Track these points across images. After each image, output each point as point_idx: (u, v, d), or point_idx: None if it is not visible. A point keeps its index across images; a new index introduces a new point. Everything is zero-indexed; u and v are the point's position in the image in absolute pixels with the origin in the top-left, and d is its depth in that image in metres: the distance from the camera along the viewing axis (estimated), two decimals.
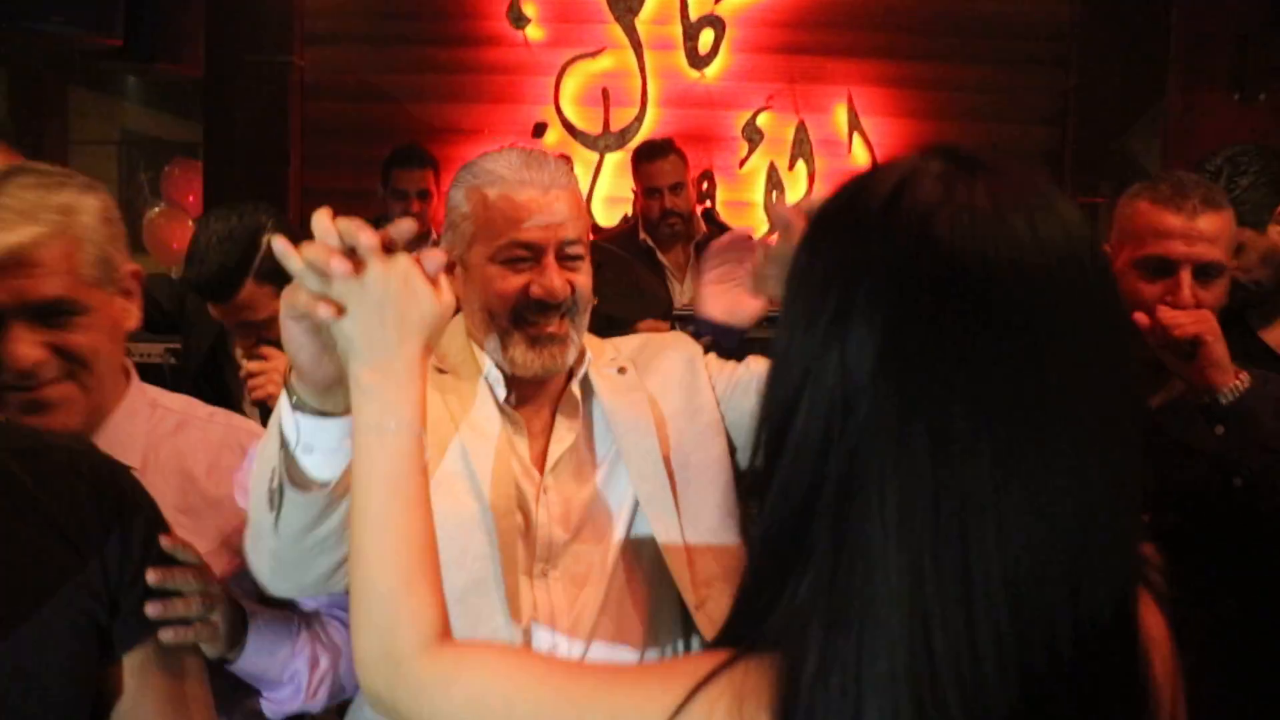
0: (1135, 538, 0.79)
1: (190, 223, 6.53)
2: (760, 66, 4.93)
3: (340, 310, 0.98)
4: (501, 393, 1.49)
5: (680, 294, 3.80)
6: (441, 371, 1.50)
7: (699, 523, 1.47)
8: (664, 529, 1.45)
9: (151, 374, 2.71)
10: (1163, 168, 5.13)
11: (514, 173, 1.45)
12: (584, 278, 1.50)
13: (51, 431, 1.25)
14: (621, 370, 1.56)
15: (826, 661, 0.73)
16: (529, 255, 1.44)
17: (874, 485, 0.72)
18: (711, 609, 1.42)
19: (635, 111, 4.86)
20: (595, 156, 4.85)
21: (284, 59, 4.77)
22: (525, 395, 1.51)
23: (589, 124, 4.86)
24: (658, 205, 3.82)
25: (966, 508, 0.71)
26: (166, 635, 1.14)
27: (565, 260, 1.46)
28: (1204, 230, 1.71)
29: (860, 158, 4.97)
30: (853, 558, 0.73)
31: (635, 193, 3.97)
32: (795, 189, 4.95)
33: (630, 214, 4.78)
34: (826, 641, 0.73)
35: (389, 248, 0.99)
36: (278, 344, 1.72)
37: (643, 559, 1.47)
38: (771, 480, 0.80)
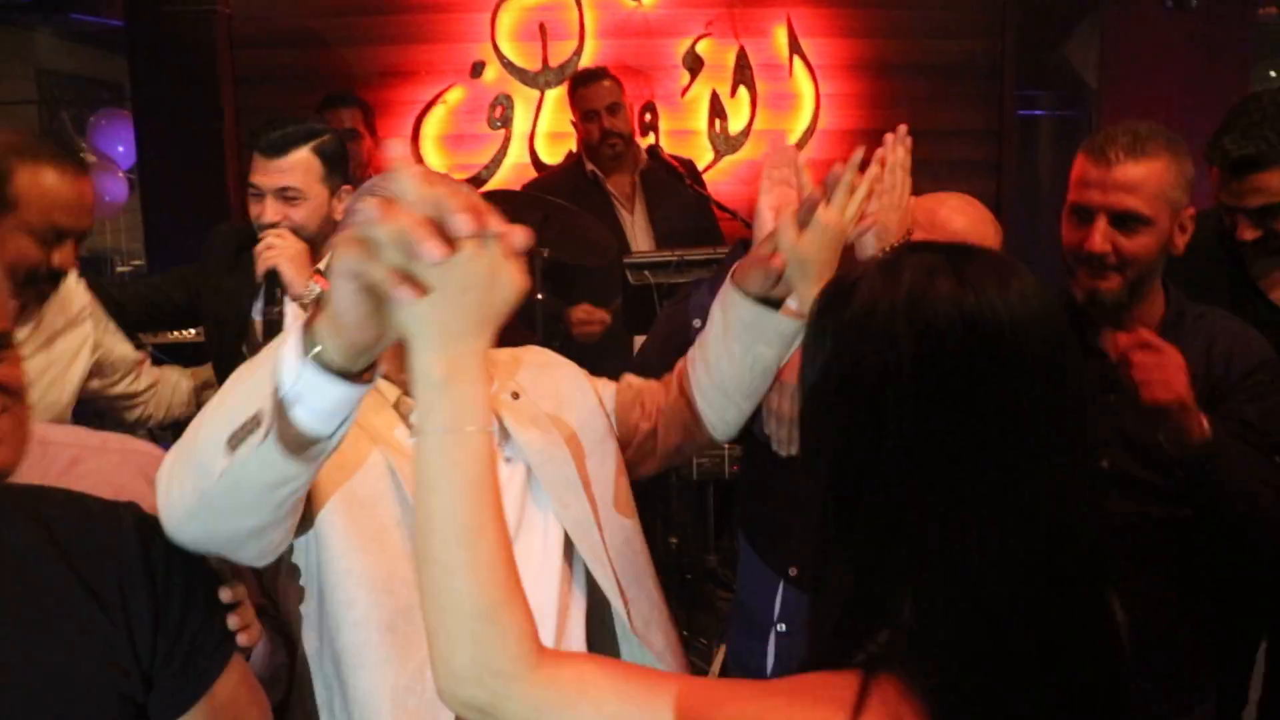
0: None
1: (121, 174, 6.47)
2: None
3: (422, 291, 0.91)
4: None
5: (630, 223, 3.85)
6: None
7: (615, 537, 1.57)
8: (589, 547, 1.52)
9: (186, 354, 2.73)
10: (1100, 77, 5.24)
11: None
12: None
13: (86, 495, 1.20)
14: (515, 395, 1.58)
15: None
16: None
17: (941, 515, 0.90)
18: (635, 612, 1.54)
19: (574, 45, 4.84)
20: (536, 94, 4.85)
21: (208, 6, 4.70)
22: None
23: (527, 60, 4.84)
24: (596, 128, 3.85)
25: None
26: (243, 639, 1.20)
27: None
28: (1119, 180, 1.79)
29: (802, 80, 5.01)
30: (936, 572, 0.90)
31: (575, 124, 3.99)
32: (738, 115, 4.98)
33: (574, 149, 4.82)
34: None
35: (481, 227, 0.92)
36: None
37: (571, 571, 1.54)
38: (852, 531, 0.94)
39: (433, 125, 4.83)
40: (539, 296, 3.30)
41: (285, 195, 2.32)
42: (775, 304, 1.52)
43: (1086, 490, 0.95)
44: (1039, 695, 0.89)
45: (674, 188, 3.79)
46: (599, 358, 3.55)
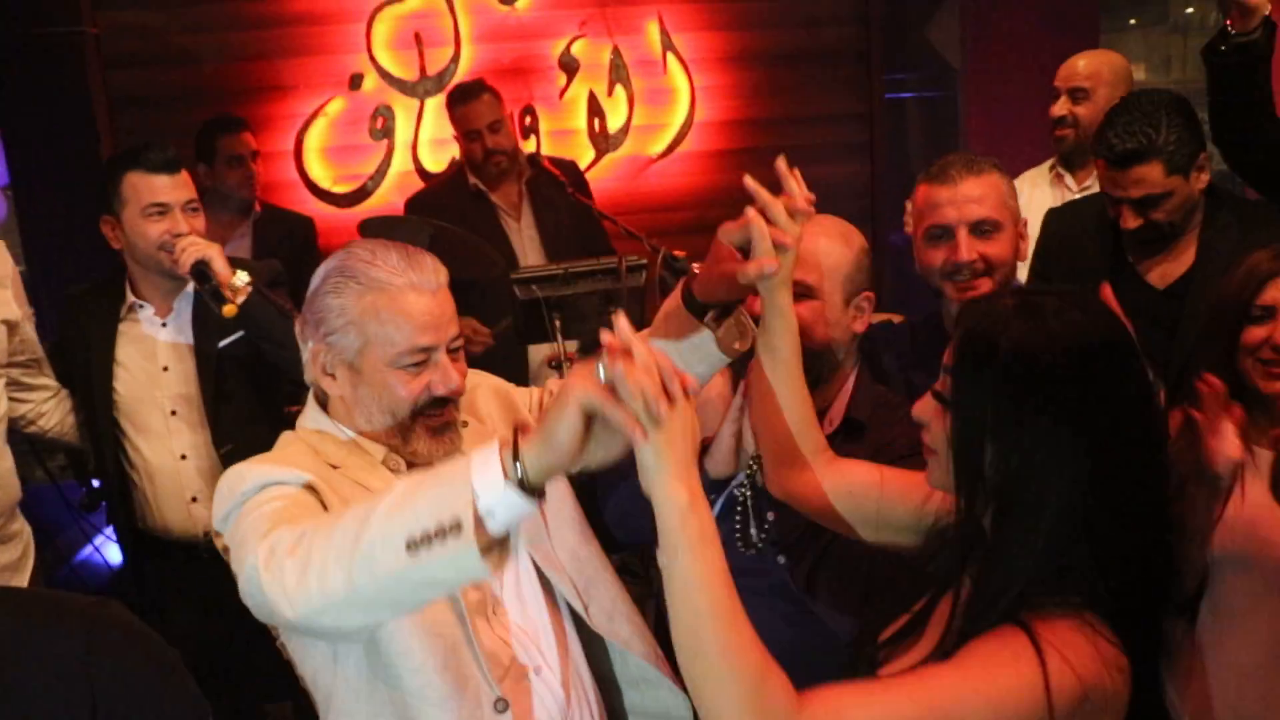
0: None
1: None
2: None
3: (646, 435, 1.15)
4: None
5: (518, 232, 3.99)
6: (334, 467, 1.61)
7: (565, 542, 1.74)
8: (543, 556, 1.70)
9: None
10: (962, 57, 5.58)
11: (400, 277, 1.57)
12: (464, 363, 1.66)
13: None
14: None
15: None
16: (426, 357, 1.59)
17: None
18: (595, 610, 1.71)
19: (450, 51, 4.98)
20: (416, 103, 4.97)
21: (76, 28, 4.73)
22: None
23: (405, 70, 4.95)
24: (479, 147, 3.92)
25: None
26: None
27: (452, 353, 1.63)
28: (968, 193, 2.05)
29: (676, 75, 5.23)
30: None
31: (456, 138, 4.10)
32: (616, 113, 5.19)
33: (457, 156, 4.99)
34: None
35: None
36: None
37: (536, 585, 1.70)
38: (1038, 525, 1.28)
39: (315, 138, 4.92)
40: None
41: (190, 207, 2.65)
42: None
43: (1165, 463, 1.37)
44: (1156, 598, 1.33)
45: (559, 196, 3.95)
46: (495, 372, 3.78)
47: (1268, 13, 2.37)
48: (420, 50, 4.96)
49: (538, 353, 3.86)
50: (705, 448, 1.89)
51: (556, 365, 3.53)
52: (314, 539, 1.31)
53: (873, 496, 1.63)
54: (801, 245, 1.75)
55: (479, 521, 1.19)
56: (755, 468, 1.90)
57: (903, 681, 1.24)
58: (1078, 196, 3.45)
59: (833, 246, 1.92)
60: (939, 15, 5.68)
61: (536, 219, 4.03)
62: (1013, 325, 1.30)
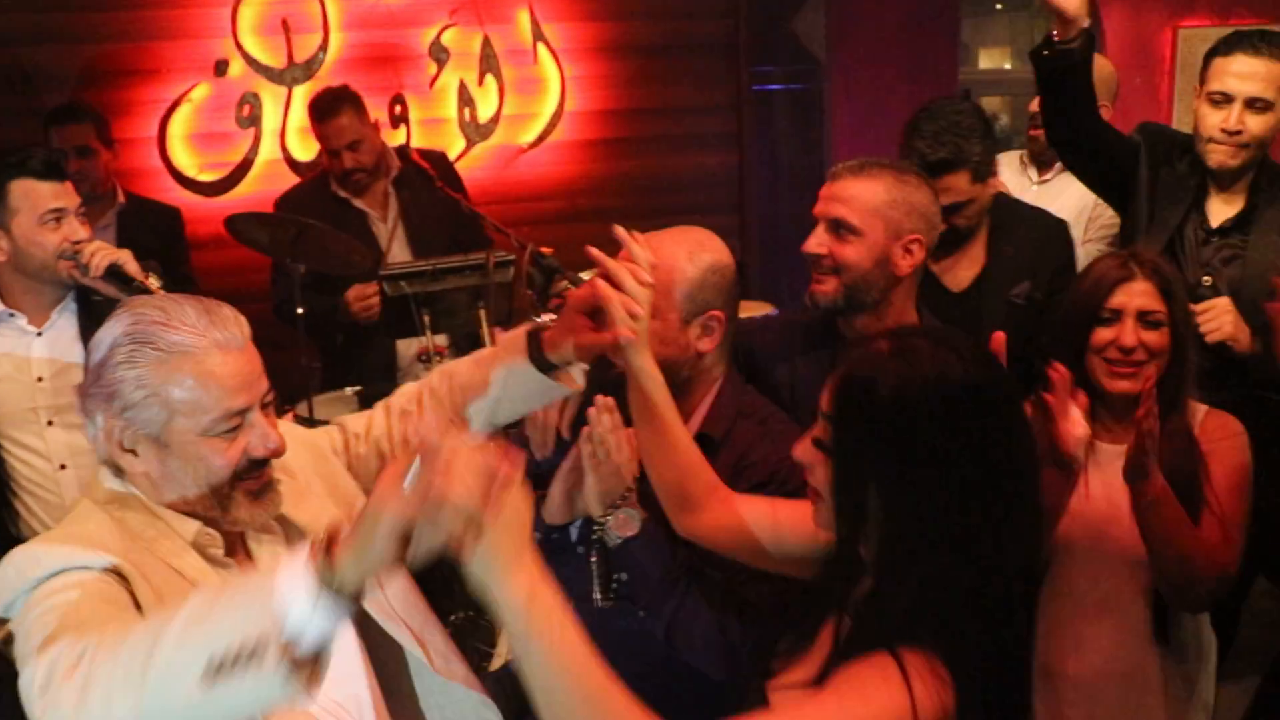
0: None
1: None
2: None
3: (469, 551, 1.10)
4: (219, 552, 1.52)
5: (386, 236, 4.04)
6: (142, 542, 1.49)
7: (396, 590, 1.68)
8: (379, 609, 1.63)
9: None
10: (827, 50, 5.83)
11: (203, 337, 1.46)
12: (275, 416, 1.57)
13: None
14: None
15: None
16: (240, 420, 1.49)
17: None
18: (434, 653, 1.68)
19: (319, 39, 4.99)
20: (284, 90, 4.97)
21: None
22: (230, 543, 1.56)
23: (272, 57, 4.95)
24: (339, 165, 3.96)
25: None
26: None
27: (265, 408, 1.53)
28: (837, 192, 2.09)
29: (547, 65, 5.35)
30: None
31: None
32: (487, 103, 5.27)
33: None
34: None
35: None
36: None
37: (353, 649, 1.64)
38: (913, 555, 1.32)
39: (179, 125, 4.88)
40: (300, 311, 3.59)
41: (79, 212, 2.68)
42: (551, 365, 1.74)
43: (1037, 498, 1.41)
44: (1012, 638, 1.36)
45: (428, 191, 4.02)
46: (368, 372, 3.88)
47: (1086, 25, 2.60)
48: (288, 37, 4.96)
49: (407, 348, 3.96)
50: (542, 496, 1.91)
51: (426, 359, 3.66)
52: (97, 659, 1.19)
53: (767, 529, 1.67)
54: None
55: (286, 646, 1.11)
56: (600, 530, 1.88)
57: (785, 712, 1.32)
58: (1035, 188, 3.68)
59: (673, 263, 1.85)
60: (805, 8, 5.91)
61: (404, 218, 4.08)
62: (889, 370, 1.33)
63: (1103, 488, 2.09)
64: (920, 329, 1.86)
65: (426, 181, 4.01)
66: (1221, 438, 2.11)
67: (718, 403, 1.96)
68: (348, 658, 1.60)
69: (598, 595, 1.92)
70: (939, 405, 1.31)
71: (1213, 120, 2.69)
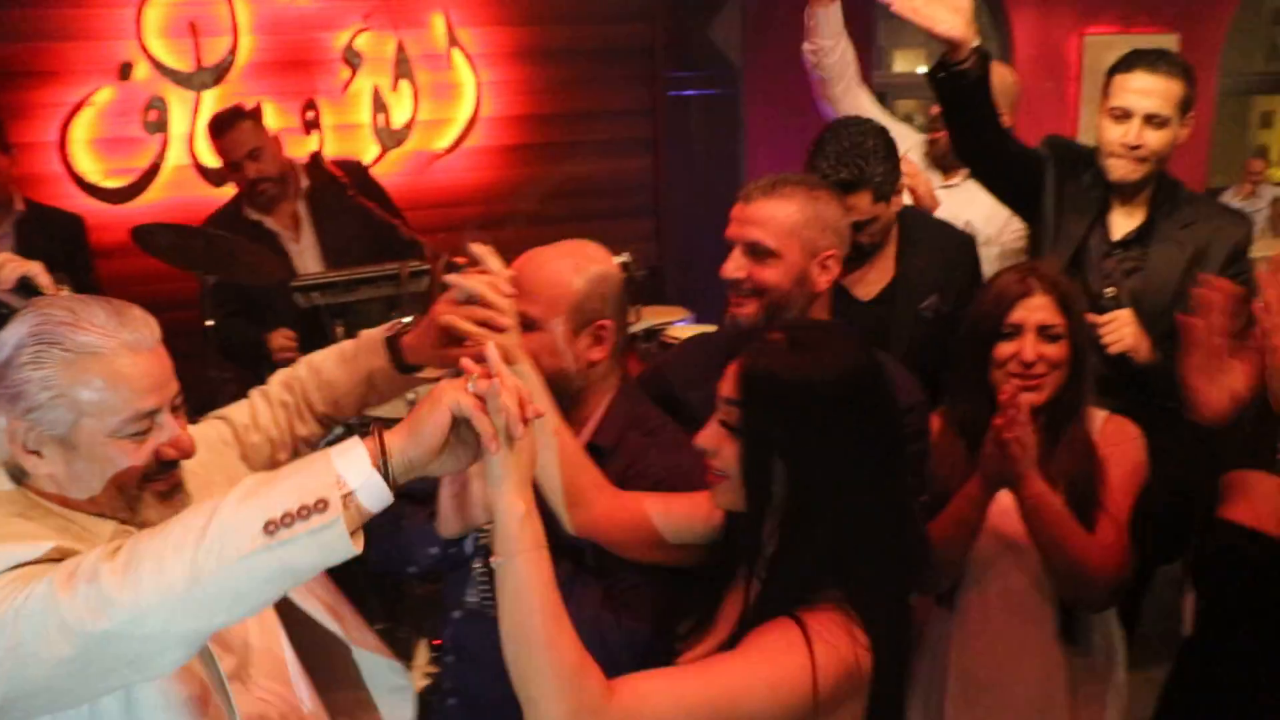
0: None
1: None
2: None
3: (498, 449, 1.30)
4: None
5: (299, 253, 3.98)
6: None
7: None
8: (300, 597, 1.70)
9: None
10: (744, 56, 5.88)
11: (112, 338, 1.46)
12: (185, 418, 1.58)
13: None
14: None
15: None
16: (150, 423, 1.49)
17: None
18: (350, 625, 1.77)
19: (228, 42, 4.92)
20: (192, 95, 4.89)
21: None
22: None
23: (180, 60, 4.87)
24: (243, 176, 3.90)
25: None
26: None
27: (175, 410, 1.54)
28: (751, 215, 2.08)
29: (462, 70, 5.34)
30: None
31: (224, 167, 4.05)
32: (401, 108, 5.25)
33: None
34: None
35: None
36: None
37: (293, 617, 1.71)
38: (813, 527, 1.50)
39: (81, 129, 4.77)
40: (208, 323, 3.54)
41: None
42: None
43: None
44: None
45: (341, 201, 3.95)
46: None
47: (976, 44, 2.67)
48: (196, 40, 4.88)
49: None
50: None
51: None
52: (139, 542, 1.25)
53: (661, 517, 1.76)
54: (529, 275, 1.89)
55: (346, 500, 1.23)
56: (488, 536, 1.91)
57: (696, 668, 1.45)
58: (941, 191, 3.73)
59: (559, 277, 1.89)
60: (722, 14, 5.97)
61: (318, 234, 4.02)
62: (789, 358, 1.52)
63: (1011, 499, 2.15)
64: (809, 322, 1.97)
65: (339, 193, 3.94)
66: (1119, 442, 2.18)
67: (609, 413, 2.00)
68: (272, 636, 1.68)
69: (476, 594, 1.99)
70: (835, 387, 1.50)
71: (1113, 135, 2.78)
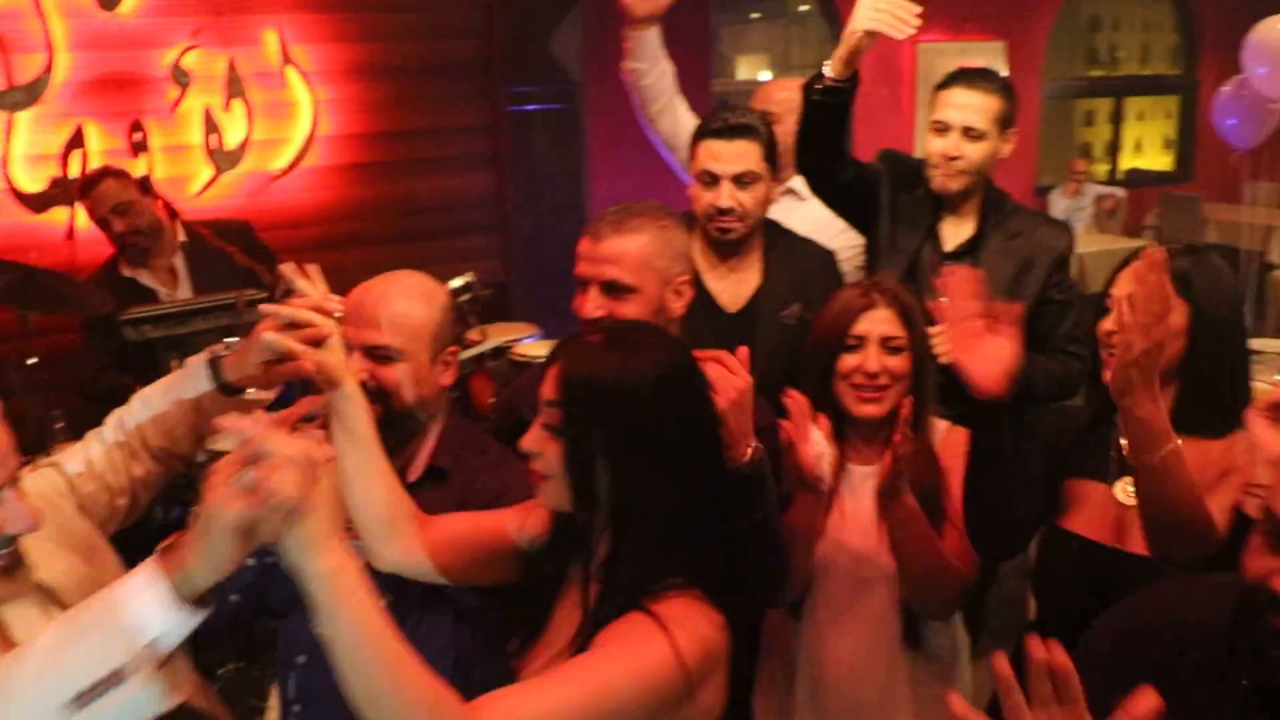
0: None
1: None
2: (180, 0, 4.96)
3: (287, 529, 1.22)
4: None
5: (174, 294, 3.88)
6: None
7: None
8: None
9: None
10: (584, 70, 5.92)
11: None
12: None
13: None
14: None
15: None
16: None
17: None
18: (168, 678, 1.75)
19: (43, 59, 4.71)
20: (4, 116, 4.67)
21: None
22: None
23: None
24: (111, 231, 3.83)
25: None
26: None
27: (14, 483, 1.52)
28: (605, 253, 2.09)
29: (297, 88, 5.24)
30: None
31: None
32: (234, 128, 5.12)
33: (59, 174, 4.78)
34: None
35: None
36: None
37: None
38: (644, 525, 1.52)
39: None
40: (31, 361, 3.40)
41: None
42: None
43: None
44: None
45: (218, 254, 3.88)
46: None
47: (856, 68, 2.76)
48: (6, 57, 4.66)
49: None
50: None
51: None
52: None
53: (471, 536, 1.76)
54: (385, 309, 1.95)
55: (148, 657, 1.19)
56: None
57: (558, 675, 1.41)
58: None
59: (416, 308, 1.99)
60: (560, 28, 5.99)
61: (196, 287, 3.93)
62: (608, 359, 1.54)
63: (855, 508, 2.21)
64: (626, 323, 1.95)
65: (220, 252, 3.88)
66: (959, 452, 2.26)
67: (444, 436, 2.07)
68: None
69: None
70: (654, 385, 1.53)
71: (935, 146, 2.93)
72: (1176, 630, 1.50)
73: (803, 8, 10.31)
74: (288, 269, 1.74)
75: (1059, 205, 8.95)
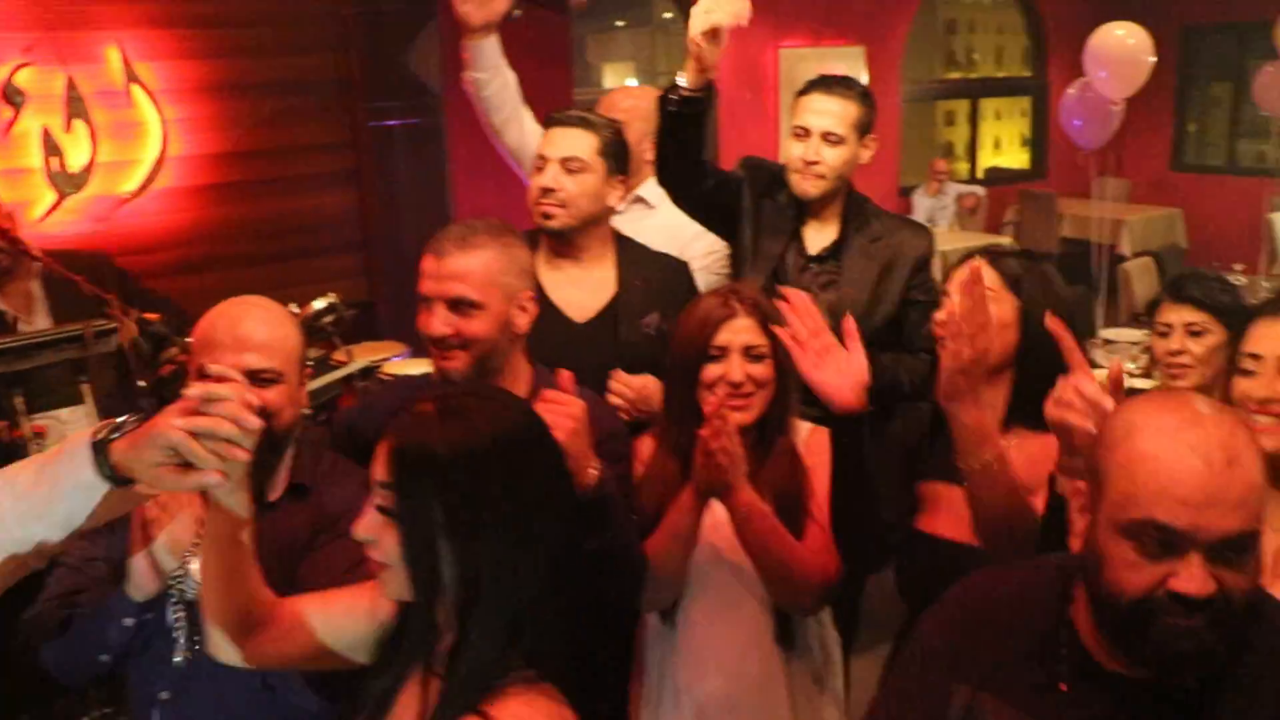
0: None
1: None
2: (9, 14, 4.74)
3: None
4: None
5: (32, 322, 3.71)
6: None
7: None
8: None
9: None
10: (444, 83, 5.86)
11: None
12: None
13: None
14: None
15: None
16: None
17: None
18: None
19: None
20: None
21: None
22: None
23: None
24: None
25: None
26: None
27: None
28: (449, 270, 2.10)
29: (144, 107, 5.06)
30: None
31: None
32: (77, 150, 4.92)
33: None
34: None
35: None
36: None
37: None
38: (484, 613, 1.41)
39: None
40: None
41: None
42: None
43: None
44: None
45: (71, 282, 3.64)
46: None
47: (713, 77, 2.79)
48: None
49: None
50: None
51: (21, 445, 3.36)
52: None
53: (322, 622, 1.66)
54: (258, 333, 1.98)
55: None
56: (178, 582, 1.95)
57: None
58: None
59: (289, 330, 2.05)
60: (418, 41, 5.92)
61: (54, 314, 3.75)
62: (442, 429, 1.42)
63: (725, 511, 2.24)
64: (459, 386, 1.92)
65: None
66: (821, 451, 2.30)
67: (299, 453, 2.12)
68: None
69: (182, 654, 1.97)
70: (497, 457, 1.42)
71: (795, 151, 3.01)
72: (1006, 613, 1.54)
73: (667, 15, 10.44)
74: (203, 383, 1.48)
75: (922, 205, 9.20)
